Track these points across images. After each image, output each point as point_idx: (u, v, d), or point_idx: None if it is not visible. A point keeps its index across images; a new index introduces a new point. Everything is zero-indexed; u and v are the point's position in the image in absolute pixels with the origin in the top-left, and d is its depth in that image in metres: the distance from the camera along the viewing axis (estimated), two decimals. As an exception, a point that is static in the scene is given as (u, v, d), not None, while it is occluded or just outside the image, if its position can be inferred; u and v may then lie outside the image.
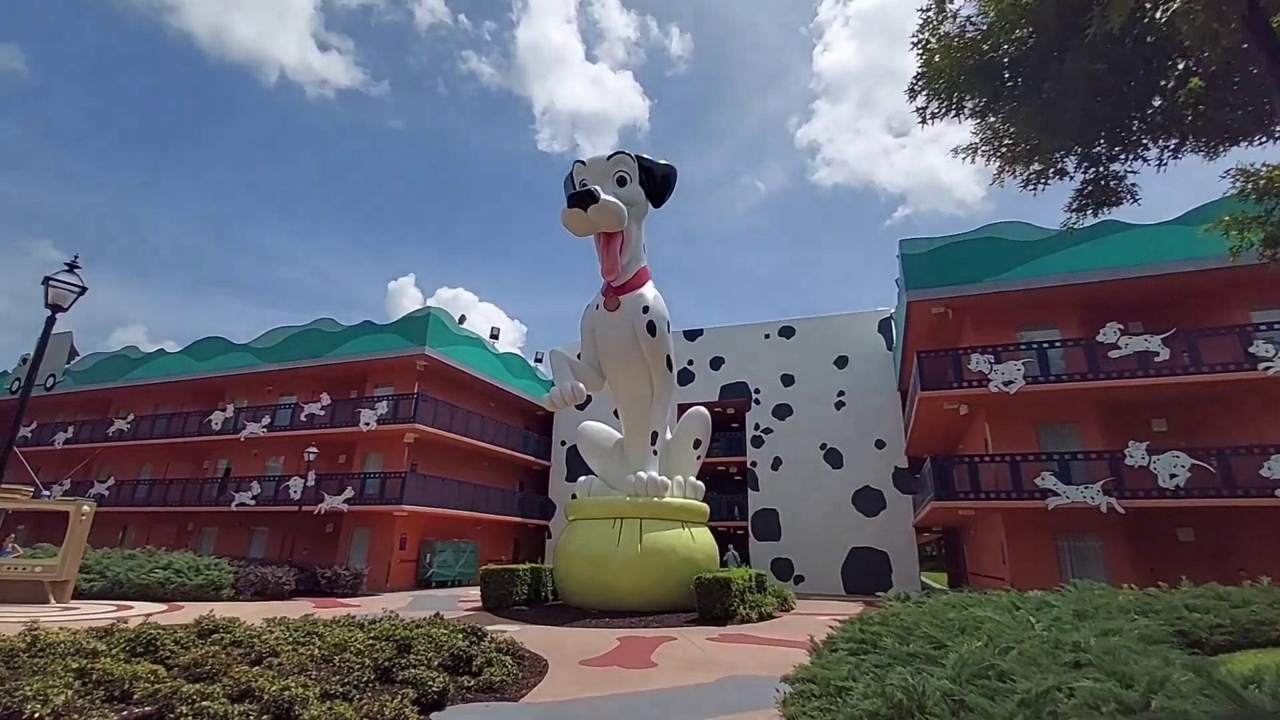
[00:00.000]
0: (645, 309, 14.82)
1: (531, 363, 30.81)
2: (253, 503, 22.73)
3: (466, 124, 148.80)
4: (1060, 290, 16.31)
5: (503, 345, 28.50)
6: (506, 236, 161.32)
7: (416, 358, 22.76)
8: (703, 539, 15.19)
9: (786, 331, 27.78)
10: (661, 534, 14.16)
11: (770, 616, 13.78)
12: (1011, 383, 15.27)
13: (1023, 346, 15.79)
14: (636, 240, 15.04)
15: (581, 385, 14.31)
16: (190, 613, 14.29)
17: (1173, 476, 14.20)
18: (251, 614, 11.14)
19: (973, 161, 6.06)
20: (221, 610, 14.45)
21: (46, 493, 16.60)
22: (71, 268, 6.95)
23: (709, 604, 12.64)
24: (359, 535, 22.59)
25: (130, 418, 27.00)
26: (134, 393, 28.41)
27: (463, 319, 24.95)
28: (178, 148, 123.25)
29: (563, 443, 30.50)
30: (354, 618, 8.25)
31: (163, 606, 14.08)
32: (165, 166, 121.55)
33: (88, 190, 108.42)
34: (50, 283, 6.76)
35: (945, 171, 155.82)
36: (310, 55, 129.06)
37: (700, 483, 16.11)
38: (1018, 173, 5.96)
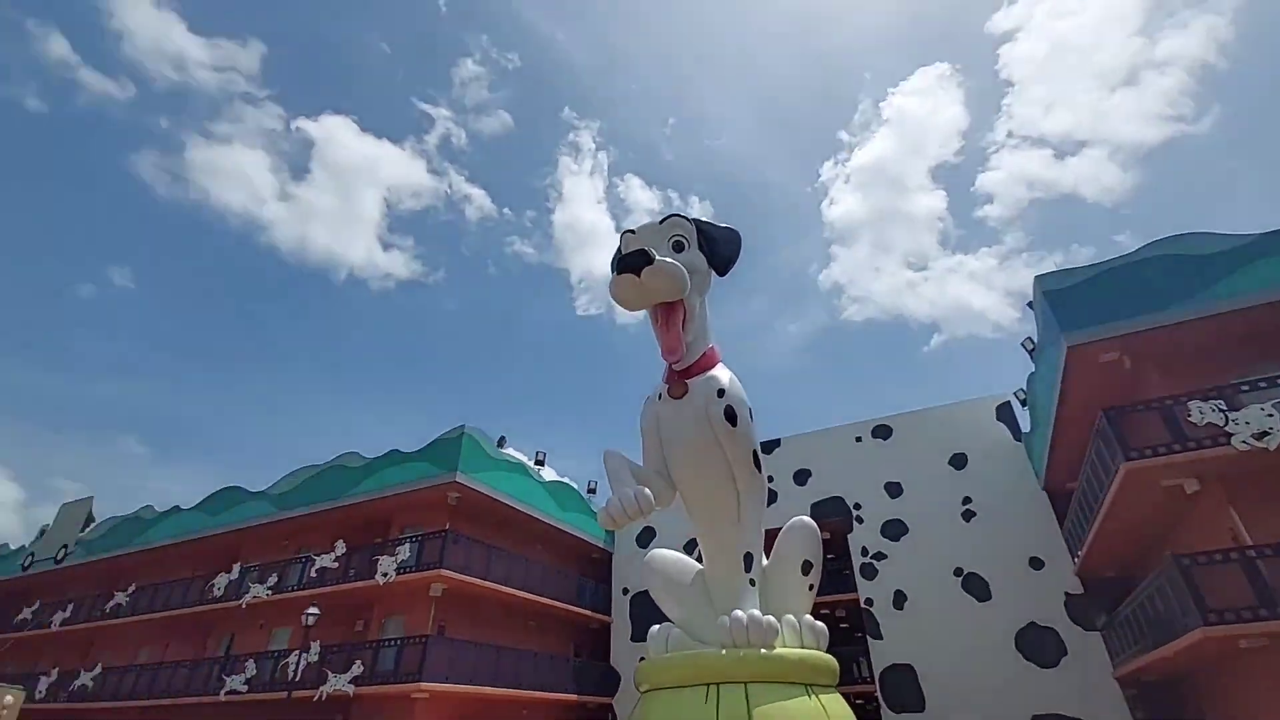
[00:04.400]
0: (720, 392, 11.03)
1: (584, 493, 26.67)
2: (245, 688, 18.21)
3: (513, 299, 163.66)
4: (1284, 310, 11.86)
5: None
6: (550, 398, 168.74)
7: (447, 488, 19.16)
8: (840, 713, 9.96)
9: (882, 431, 23.20)
10: (781, 706, 9.07)
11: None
12: (1269, 434, 10.43)
13: (1262, 384, 11.10)
14: (701, 314, 11.79)
15: (648, 491, 10.14)
16: None
17: None
18: None
19: None
20: None
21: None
22: None
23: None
24: (371, 728, 17.50)
25: (131, 590, 23.67)
26: (144, 559, 25.37)
27: (502, 441, 21.63)
28: (259, 344, 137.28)
29: (625, 590, 25.23)
30: None
31: None
32: (244, 360, 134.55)
33: (171, 385, 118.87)
34: None
35: (973, 298, 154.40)
36: (376, 255, 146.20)
37: (822, 625, 11.12)
38: None
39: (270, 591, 20.01)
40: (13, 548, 30.33)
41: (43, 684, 23.06)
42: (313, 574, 19.57)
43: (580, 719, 23.22)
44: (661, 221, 13.24)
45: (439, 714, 17.32)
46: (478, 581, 18.68)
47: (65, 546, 26.99)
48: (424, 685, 15.86)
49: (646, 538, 24.95)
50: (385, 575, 17.88)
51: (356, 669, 16.59)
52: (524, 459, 23.17)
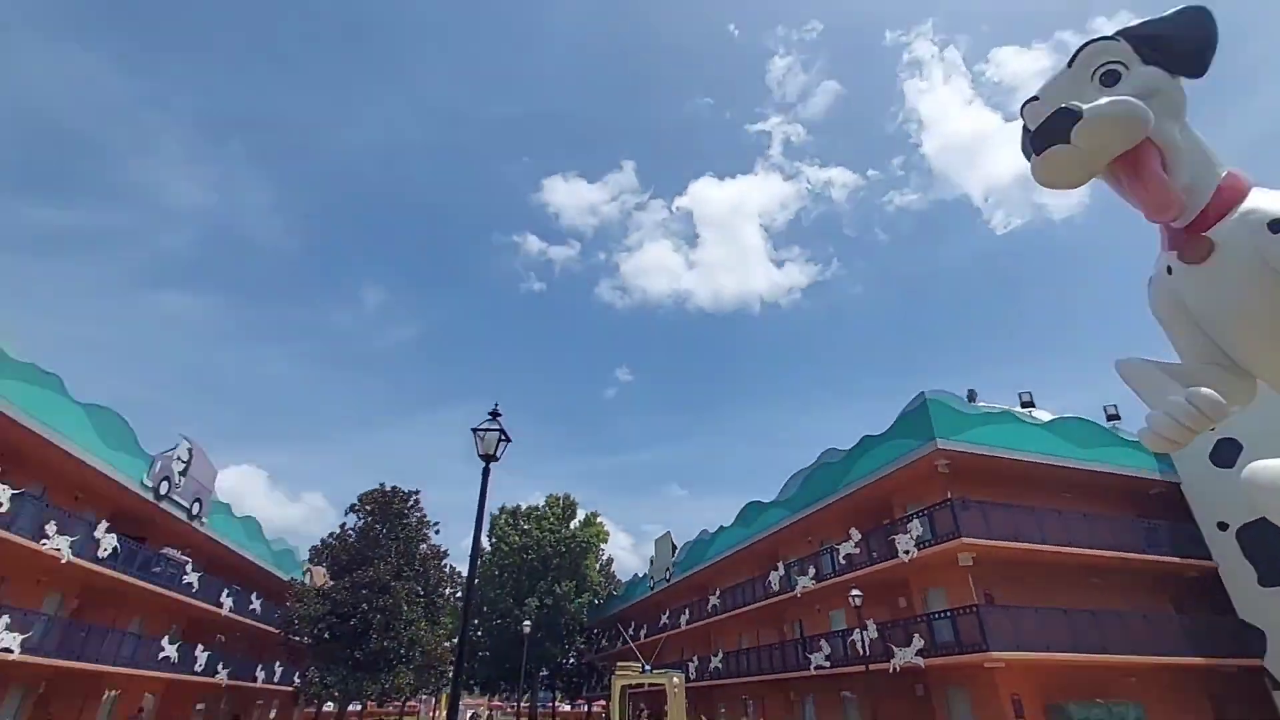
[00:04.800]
0: (1274, 224, 7.30)
1: (1104, 423, 22.00)
2: (827, 664, 20.95)
3: (918, 252, 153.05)
4: None
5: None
6: (1008, 335, 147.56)
7: (932, 457, 18.65)
8: None
9: None
10: None
11: None
12: None
13: None
14: (1188, 142, 8.09)
15: (1206, 391, 7.21)
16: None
17: None
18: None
19: None
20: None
21: (648, 667, 18.92)
22: (493, 416, 7.39)
23: None
24: (956, 698, 17.70)
25: (718, 592, 30.33)
26: (715, 569, 32.27)
27: (972, 395, 19.96)
28: (724, 387, 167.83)
29: (1221, 526, 19.34)
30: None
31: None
32: (722, 403, 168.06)
33: (681, 439, 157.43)
34: (478, 433, 7.24)
35: None
36: (774, 276, 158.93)
37: None
38: None
39: (814, 581, 22.81)
40: (639, 576, 43.12)
41: (690, 668, 31.35)
42: (841, 560, 21.51)
43: (1217, 685, 18.40)
44: (1071, 62, 10.36)
45: (1022, 683, 16.37)
46: (1008, 544, 17.34)
47: (668, 569, 36.74)
48: (994, 654, 15.38)
49: (1227, 452, 18.83)
50: (907, 552, 18.32)
51: (918, 642, 17.26)
52: (1007, 407, 20.75)
